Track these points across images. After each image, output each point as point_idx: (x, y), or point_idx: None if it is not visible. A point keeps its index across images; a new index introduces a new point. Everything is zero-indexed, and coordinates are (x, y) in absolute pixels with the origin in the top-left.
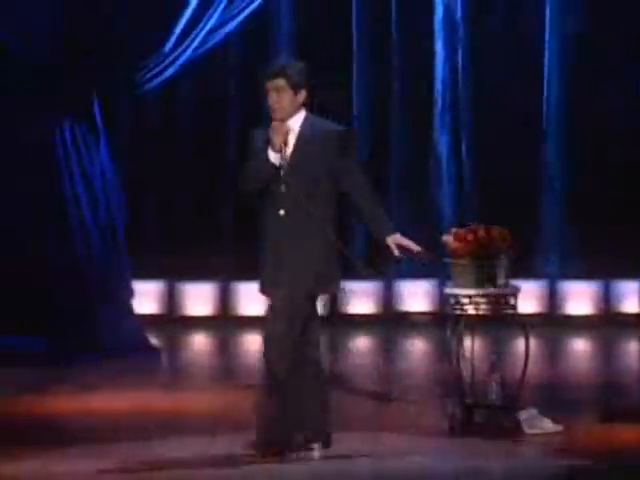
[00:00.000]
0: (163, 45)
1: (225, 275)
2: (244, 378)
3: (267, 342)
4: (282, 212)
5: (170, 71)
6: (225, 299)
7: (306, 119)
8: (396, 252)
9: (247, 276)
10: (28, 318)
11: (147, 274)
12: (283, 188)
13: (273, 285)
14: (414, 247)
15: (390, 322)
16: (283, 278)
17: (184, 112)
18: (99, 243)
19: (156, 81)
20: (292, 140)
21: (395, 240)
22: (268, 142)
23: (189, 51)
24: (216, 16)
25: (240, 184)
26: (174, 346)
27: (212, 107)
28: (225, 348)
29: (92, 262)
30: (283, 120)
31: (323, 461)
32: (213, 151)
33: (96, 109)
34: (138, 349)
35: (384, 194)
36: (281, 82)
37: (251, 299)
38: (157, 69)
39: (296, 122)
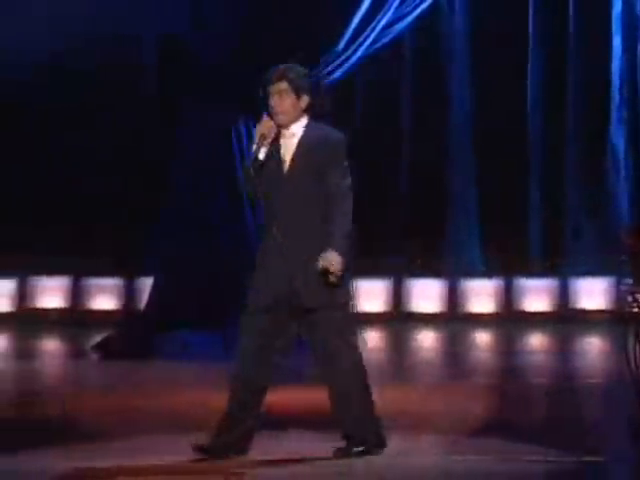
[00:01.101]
0: (337, 43)
1: (396, 272)
2: (420, 376)
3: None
4: (281, 228)
5: (343, 69)
6: (397, 296)
7: (308, 126)
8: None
9: (419, 273)
10: (207, 314)
11: None
12: (286, 197)
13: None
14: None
15: (566, 320)
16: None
17: (356, 109)
18: None
19: (331, 78)
20: (293, 146)
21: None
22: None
23: (362, 49)
24: (389, 13)
25: (244, 184)
26: None
27: (384, 105)
28: (399, 345)
29: None
30: (285, 125)
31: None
32: (388, 146)
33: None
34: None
35: (559, 191)
36: (283, 85)
37: (423, 296)
38: (330, 67)
39: (298, 128)
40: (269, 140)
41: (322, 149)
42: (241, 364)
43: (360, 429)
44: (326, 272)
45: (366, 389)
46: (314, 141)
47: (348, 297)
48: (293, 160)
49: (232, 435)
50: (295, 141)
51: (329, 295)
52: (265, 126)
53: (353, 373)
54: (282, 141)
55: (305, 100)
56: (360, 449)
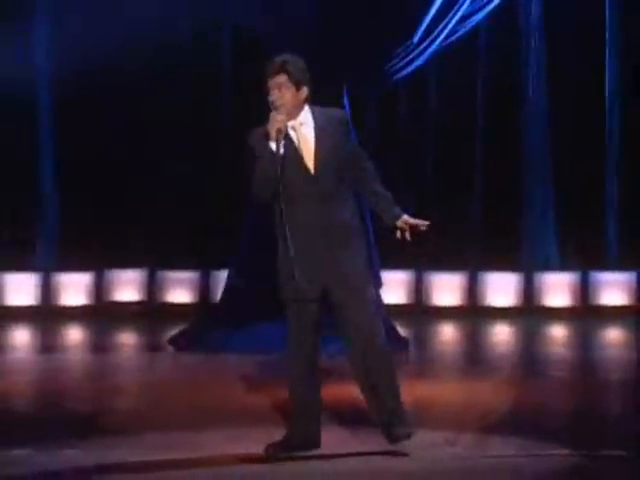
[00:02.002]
0: (412, 35)
1: (472, 266)
2: (490, 369)
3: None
4: (318, 214)
5: (418, 62)
6: (473, 289)
7: (313, 113)
8: (407, 235)
9: (495, 267)
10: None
11: (395, 264)
12: (313, 188)
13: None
14: (421, 222)
15: None
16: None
17: (430, 104)
18: None
19: (405, 72)
20: (310, 137)
21: (405, 221)
22: (266, 136)
23: (438, 41)
24: (465, 6)
25: (255, 191)
26: (422, 336)
27: (459, 97)
28: (472, 339)
29: None
30: (290, 118)
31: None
32: (466, 141)
33: (345, 102)
34: (387, 339)
35: (637, 185)
36: (282, 78)
37: (499, 290)
38: (406, 59)
39: (306, 117)
40: (282, 135)
41: (335, 131)
42: (300, 359)
43: (400, 416)
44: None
45: (395, 375)
46: (326, 126)
47: (379, 282)
48: (317, 147)
49: (303, 429)
50: (308, 130)
51: (363, 280)
52: (278, 121)
53: (386, 356)
54: (292, 133)
55: (305, 91)
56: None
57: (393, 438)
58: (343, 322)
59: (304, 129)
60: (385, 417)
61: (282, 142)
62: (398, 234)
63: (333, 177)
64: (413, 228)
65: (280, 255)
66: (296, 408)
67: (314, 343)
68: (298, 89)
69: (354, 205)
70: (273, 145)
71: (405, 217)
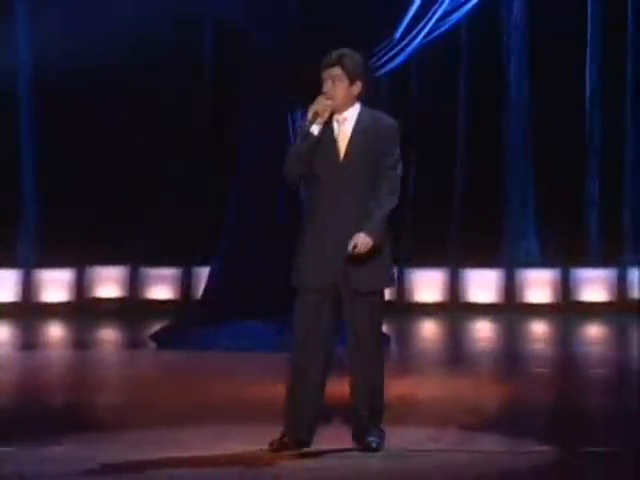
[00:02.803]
0: (394, 32)
1: (453, 262)
2: (472, 366)
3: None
4: (340, 209)
5: (399, 59)
6: (454, 286)
7: (361, 112)
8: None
9: (477, 263)
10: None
11: None
12: (340, 181)
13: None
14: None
15: (623, 310)
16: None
17: (412, 101)
18: None
19: (387, 68)
20: (349, 132)
21: (356, 237)
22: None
23: (418, 39)
24: (445, 3)
25: (285, 168)
26: (403, 333)
27: (440, 96)
28: (454, 335)
29: None
30: (339, 110)
31: None
32: (447, 139)
33: None
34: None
35: (618, 182)
36: (337, 71)
37: (480, 286)
38: (387, 56)
39: (352, 114)
40: (322, 120)
41: (377, 135)
42: (301, 351)
43: (377, 420)
44: (353, 253)
45: (383, 381)
46: (369, 127)
47: (392, 283)
48: (349, 146)
49: (298, 428)
50: (349, 126)
51: (377, 280)
52: (320, 104)
53: (379, 360)
54: (335, 126)
55: (358, 86)
56: (379, 441)
57: (362, 445)
58: (348, 319)
59: (346, 125)
60: (361, 420)
61: (320, 127)
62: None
63: (361, 177)
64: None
65: (302, 243)
66: (289, 404)
67: (322, 340)
68: (351, 83)
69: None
70: (312, 127)
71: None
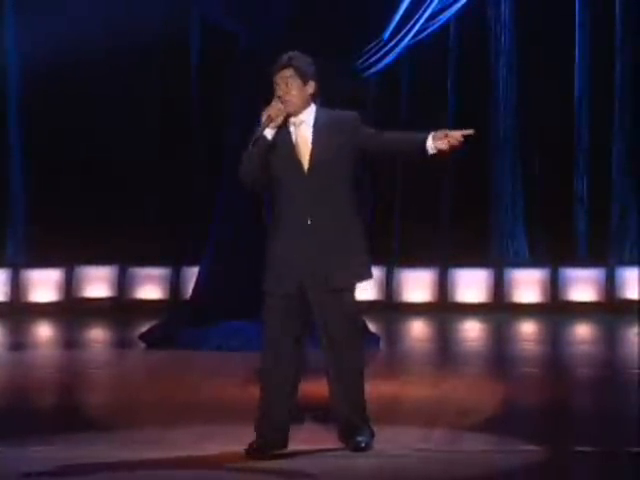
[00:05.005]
0: (382, 32)
1: (442, 262)
2: (461, 366)
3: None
4: (307, 214)
5: (388, 59)
6: (443, 285)
7: (318, 112)
8: (444, 145)
9: (465, 263)
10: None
11: None
12: (308, 193)
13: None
14: (454, 132)
15: (612, 310)
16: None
17: (401, 100)
18: None
19: (375, 69)
20: (308, 136)
21: (436, 137)
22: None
23: (407, 39)
24: (434, 3)
25: (239, 172)
26: (392, 333)
27: (429, 95)
28: (443, 335)
29: None
30: (294, 112)
31: None
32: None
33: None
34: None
35: (606, 181)
36: (289, 72)
37: (468, 286)
38: (376, 56)
39: (309, 116)
40: (276, 124)
41: (341, 130)
42: (270, 354)
43: (364, 419)
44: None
45: (363, 377)
46: (329, 125)
47: (371, 275)
48: (313, 154)
49: (271, 431)
50: (307, 129)
51: (355, 277)
52: (273, 108)
53: (359, 359)
54: (292, 129)
55: (312, 86)
56: (368, 440)
57: (350, 444)
58: (320, 320)
59: (303, 128)
60: (348, 420)
61: (273, 131)
62: (441, 144)
63: (328, 179)
64: (453, 138)
65: (269, 247)
66: (261, 407)
67: (291, 342)
68: (305, 83)
69: (352, 207)
70: (265, 131)
71: (433, 133)
